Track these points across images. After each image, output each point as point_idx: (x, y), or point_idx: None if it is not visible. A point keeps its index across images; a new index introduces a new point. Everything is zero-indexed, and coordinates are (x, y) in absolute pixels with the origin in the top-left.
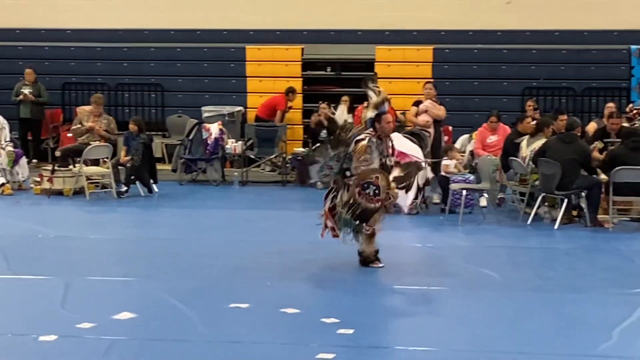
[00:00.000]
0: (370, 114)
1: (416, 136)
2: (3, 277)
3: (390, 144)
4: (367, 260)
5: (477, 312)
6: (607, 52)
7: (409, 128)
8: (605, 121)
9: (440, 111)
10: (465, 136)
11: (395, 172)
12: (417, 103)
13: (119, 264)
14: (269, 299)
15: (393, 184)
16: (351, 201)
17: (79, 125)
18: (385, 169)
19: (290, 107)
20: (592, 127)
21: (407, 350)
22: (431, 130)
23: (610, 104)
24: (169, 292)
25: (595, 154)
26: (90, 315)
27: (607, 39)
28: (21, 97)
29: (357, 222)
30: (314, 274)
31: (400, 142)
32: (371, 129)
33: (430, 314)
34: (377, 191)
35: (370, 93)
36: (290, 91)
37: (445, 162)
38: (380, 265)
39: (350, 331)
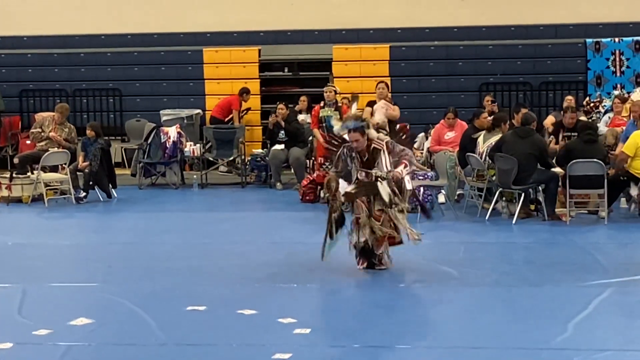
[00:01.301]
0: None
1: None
2: None
3: (376, 157)
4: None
5: (433, 307)
6: (563, 46)
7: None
8: (563, 115)
9: (395, 111)
10: (422, 134)
11: (349, 188)
12: (371, 103)
13: (77, 269)
14: (226, 301)
15: (341, 197)
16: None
17: (39, 129)
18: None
19: (248, 109)
20: (549, 120)
21: (362, 347)
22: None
23: (570, 97)
24: (126, 297)
25: (553, 146)
26: (47, 322)
27: (563, 33)
28: None
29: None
30: (272, 274)
31: None
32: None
33: (387, 311)
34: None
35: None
36: (245, 92)
37: None
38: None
39: (307, 331)
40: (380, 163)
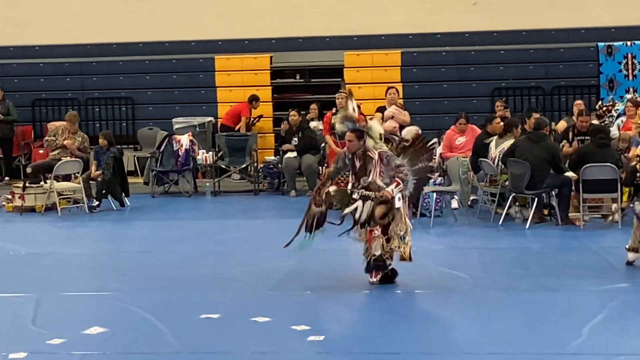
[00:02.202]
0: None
1: (385, 141)
2: None
3: (368, 165)
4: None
5: (447, 313)
6: (575, 50)
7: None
8: (575, 119)
9: (406, 117)
10: (435, 139)
11: (332, 188)
12: (381, 109)
13: (90, 278)
14: (240, 309)
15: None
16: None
17: (53, 137)
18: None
19: (260, 116)
20: (561, 125)
21: (376, 354)
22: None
23: (579, 102)
24: (140, 305)
25: (567, 149)
26: (61, 331)
27: (575, 37)
28: None
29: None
30: (286, 281)
31: None
32: None
33: (402, 317)
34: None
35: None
36: (254, 99)
37: None
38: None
39: (321, 338)
40: (372, 173)
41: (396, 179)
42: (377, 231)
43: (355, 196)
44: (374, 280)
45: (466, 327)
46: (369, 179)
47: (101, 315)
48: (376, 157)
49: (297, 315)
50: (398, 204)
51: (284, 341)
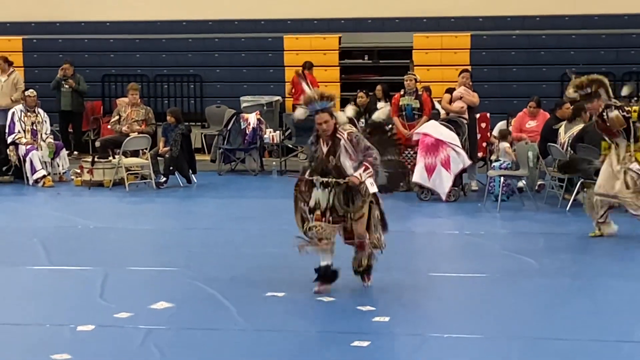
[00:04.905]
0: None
1: (453, 123)
2: (42, 268)
3: (337, 147)
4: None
5: (513, 298)
6: None
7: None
8: None
9: (474, 98)
10: (502, 122)
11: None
12: (449, 90)
13: (157, 254)
14: (304, 288)
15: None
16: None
17: (116, 118)
18: (323, 173)
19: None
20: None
21: (442, 337)
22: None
23: None
24: (206, 282)
25: None
26: (128, 305)
27: None
28: (66, 87)
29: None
30: (351, 261)
31: (438, 130)
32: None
33: (467, 301)
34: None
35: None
36: (308, 66)
37: (502, 144)
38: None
39: (386, 319)
40: (341, 155)
41: (364, 163)
42: (367, 241)
43: (316, 184)
44: (369, 283)
45: (533, 312)
46: (335, 163)
47: (167, 291)
48: (344, 135)
49: (362, 295)
50: (372, 189)
51: (349, 321)
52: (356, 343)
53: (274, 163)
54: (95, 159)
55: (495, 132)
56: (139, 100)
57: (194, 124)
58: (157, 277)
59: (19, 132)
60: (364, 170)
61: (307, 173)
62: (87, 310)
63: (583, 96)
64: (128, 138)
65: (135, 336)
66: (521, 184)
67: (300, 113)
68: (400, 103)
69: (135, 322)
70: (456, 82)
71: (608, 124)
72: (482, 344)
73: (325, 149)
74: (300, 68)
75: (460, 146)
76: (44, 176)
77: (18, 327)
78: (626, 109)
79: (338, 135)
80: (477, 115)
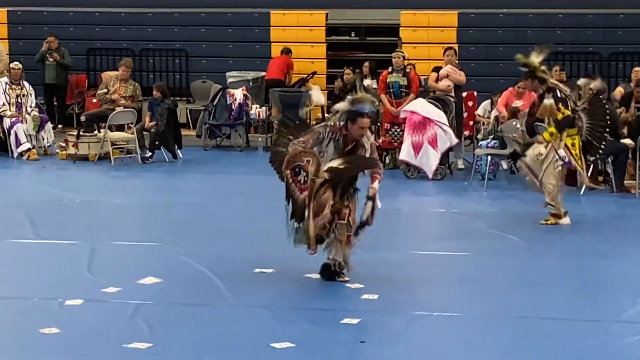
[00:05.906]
0: (345, 107)
1: (441, 102)
2: (29, 242)
3: (361, 149)
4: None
5: (501, 277)
6: (635, 16)
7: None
8: (633, 87)
9: (461, 76)
10: (487, 102)
11: (335, 163)
12: (436, 69)
13: (144, 229)
14: (293, 264)
15: (325, 173)
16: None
17: (104, 90)
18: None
19: (314, 73)
20: (618, 92)
21: (430, 315)
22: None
23: (638, 68)
24: (194, 258)
25: (624, 115)
26: (116, 280)
27: (634, 3)
28: (51, 60)
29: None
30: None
31: (425, 108)
32: (342, 124)
33: (454, 279)
34: (306, 178)
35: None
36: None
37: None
38: (346, 279)
39: (375, 297)
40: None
41: (375, 175)
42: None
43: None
44: (347, 278)
45: (521, 291)
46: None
47: (155, 266)
48: (370, 142)
49: (351, 273)
50: (379, 204)
51: (338, 298)
52: (346, 320)
53: (259, 139)
54: (81, 133)
55: (479, 111)
56: (129, 77)
57: (179, 98)
58: (145, 252)
59: (3, 104)
60: (378, 182)
61: (327, 169)
62: (75, 285)
63: (527, 73)
64: (114, 112)
65: (124, 311)
66: (505, 165)
67: (318, 97)
68: (388, 80)
69: (124, 297)
70: (442, 60)
71: (538, 109)
72: (470, 322)
73: (343, 148)
74: (286, 45)
75: (448, 124)
76: (29, 149)
77: (5, 301)
78: (568, 102)
79: (363, 141)
80: (464, 94)
